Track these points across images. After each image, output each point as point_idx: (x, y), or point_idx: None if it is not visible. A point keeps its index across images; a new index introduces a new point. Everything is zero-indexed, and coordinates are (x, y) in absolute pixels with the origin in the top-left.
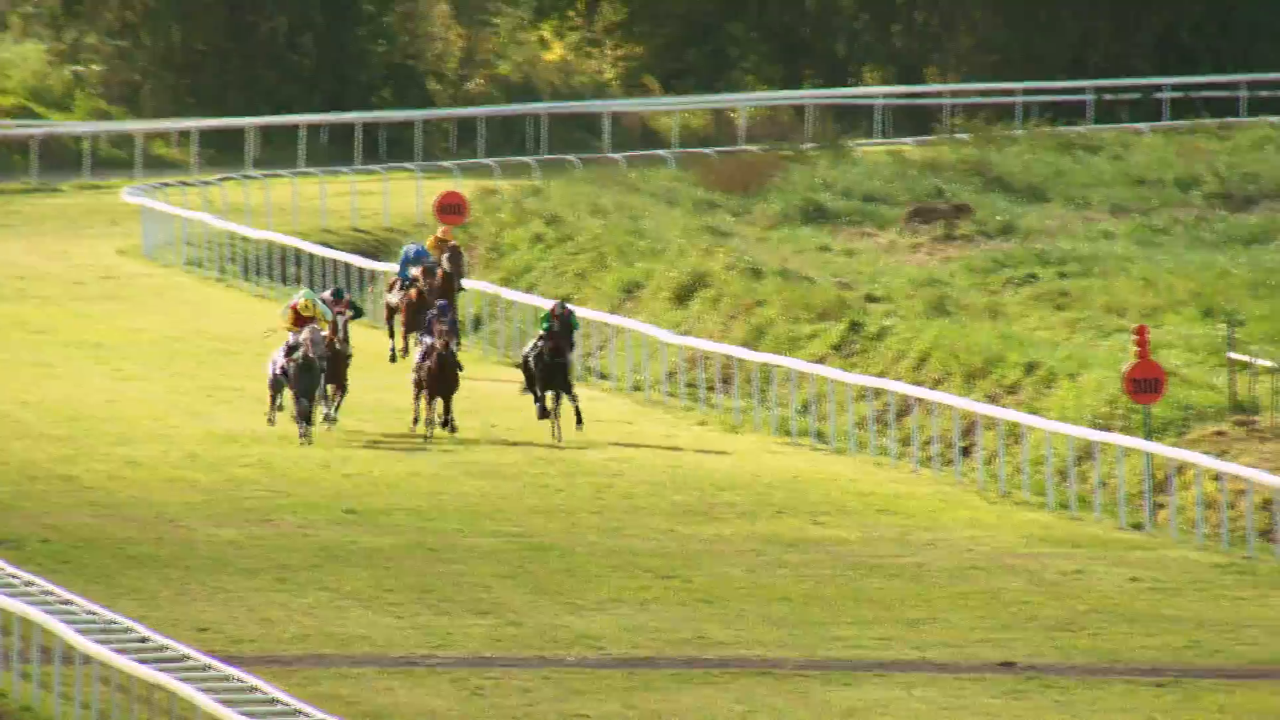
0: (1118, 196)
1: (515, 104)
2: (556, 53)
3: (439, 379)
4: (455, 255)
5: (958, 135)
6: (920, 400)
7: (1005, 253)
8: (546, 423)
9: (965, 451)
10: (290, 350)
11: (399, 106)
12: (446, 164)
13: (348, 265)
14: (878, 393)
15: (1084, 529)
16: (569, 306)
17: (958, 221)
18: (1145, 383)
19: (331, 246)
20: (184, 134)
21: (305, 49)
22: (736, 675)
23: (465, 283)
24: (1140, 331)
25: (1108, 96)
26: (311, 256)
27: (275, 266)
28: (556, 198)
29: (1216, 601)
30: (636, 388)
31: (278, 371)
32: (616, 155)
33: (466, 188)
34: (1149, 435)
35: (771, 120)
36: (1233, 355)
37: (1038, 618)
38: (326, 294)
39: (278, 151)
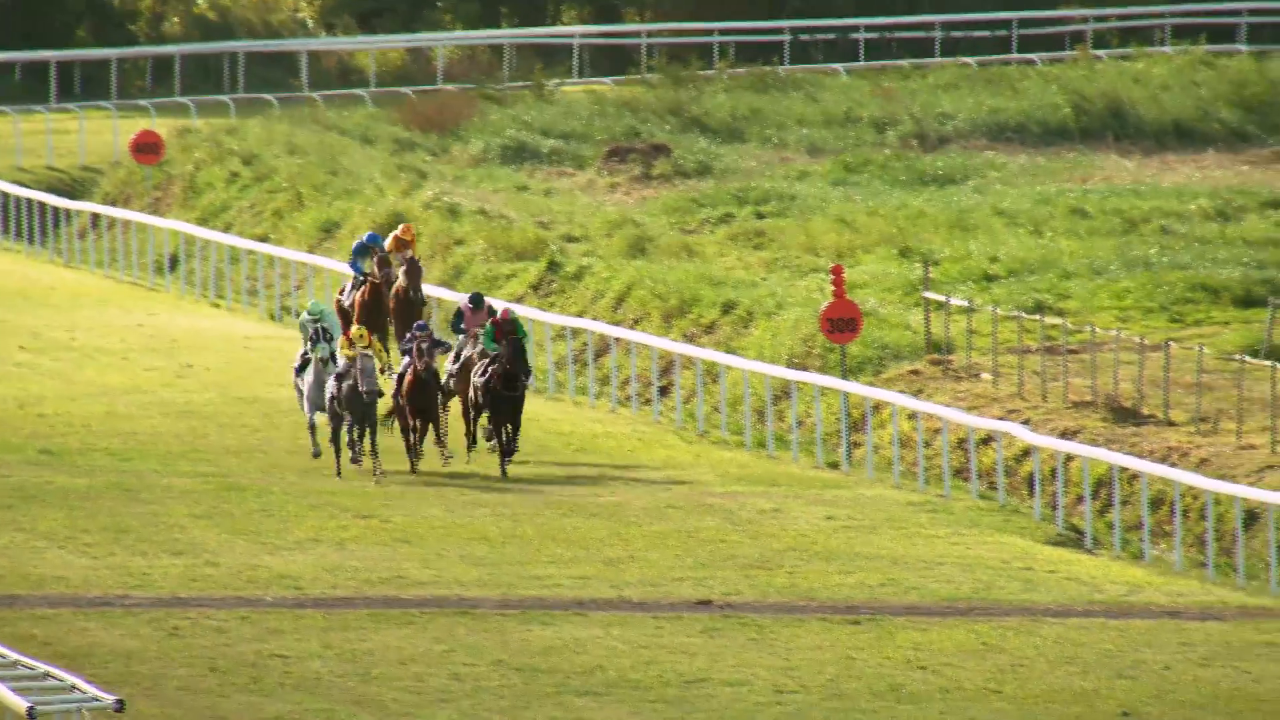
0: (814, 137)
1: (212, 42)
2: None
3: (416, 397)
4: (413, 269)
5: (655, 75)
6: (618, 340)
7: (702, 192)
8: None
9: (663, 391)
10: (341, 376)
11: (96, 45)
12: (143, 103)
13: (42, 204)
14: (576, 332)
15: (781, 468)
16: (512, 316)
17: (655, 161)
18: (841, 322)
19: (26, 185)
20: None
21: None
22: (435, 615)
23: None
24: (836, 271)
25: (804, 37)
26: (5, 195)
27: None
28: (253, 137)
29: (911, 540)
30: None
31: (330, 399)
32: (314, 94)
33: (163, 127)
34: (845, 374)
35: (470, 59)
36: (928, 295)
37: (735, 556)
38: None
39: None
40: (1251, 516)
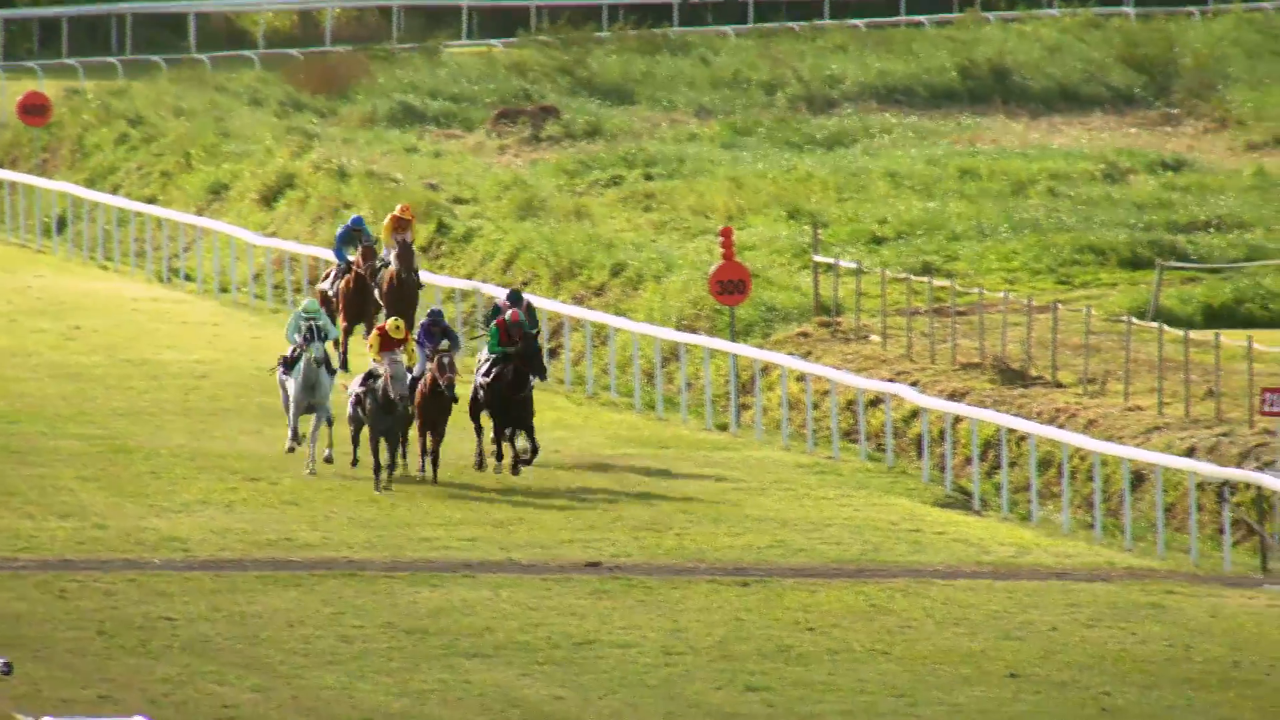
0: (703, 99)
1: (99, 4)
2: None
3: (428, 409)
4: (405, 251)
5: (545, 37)
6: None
7: (592, 154)
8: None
9: (553, 353)
10: (367, 379)
11: None
12: (30, 64)
13: None
14: (465, 294)
15: (670, 430)
16: (521, 319)
17: (544, 123)
18: (730, 284)
19: None
20: None
21: None
22: (324, 577)
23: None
24: (725, 233)
25: (694, 0)
26: None
27: None
28: (141, 99)
29: (800, 501)
30: (223, 289)
31: (353, 404)
32: (202, 56)
33: (50, 88)
34: (734, 336)
35: (359, 21)
36: (816, 257)
37: (623, 518)
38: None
39: None
40: (1138, 478)
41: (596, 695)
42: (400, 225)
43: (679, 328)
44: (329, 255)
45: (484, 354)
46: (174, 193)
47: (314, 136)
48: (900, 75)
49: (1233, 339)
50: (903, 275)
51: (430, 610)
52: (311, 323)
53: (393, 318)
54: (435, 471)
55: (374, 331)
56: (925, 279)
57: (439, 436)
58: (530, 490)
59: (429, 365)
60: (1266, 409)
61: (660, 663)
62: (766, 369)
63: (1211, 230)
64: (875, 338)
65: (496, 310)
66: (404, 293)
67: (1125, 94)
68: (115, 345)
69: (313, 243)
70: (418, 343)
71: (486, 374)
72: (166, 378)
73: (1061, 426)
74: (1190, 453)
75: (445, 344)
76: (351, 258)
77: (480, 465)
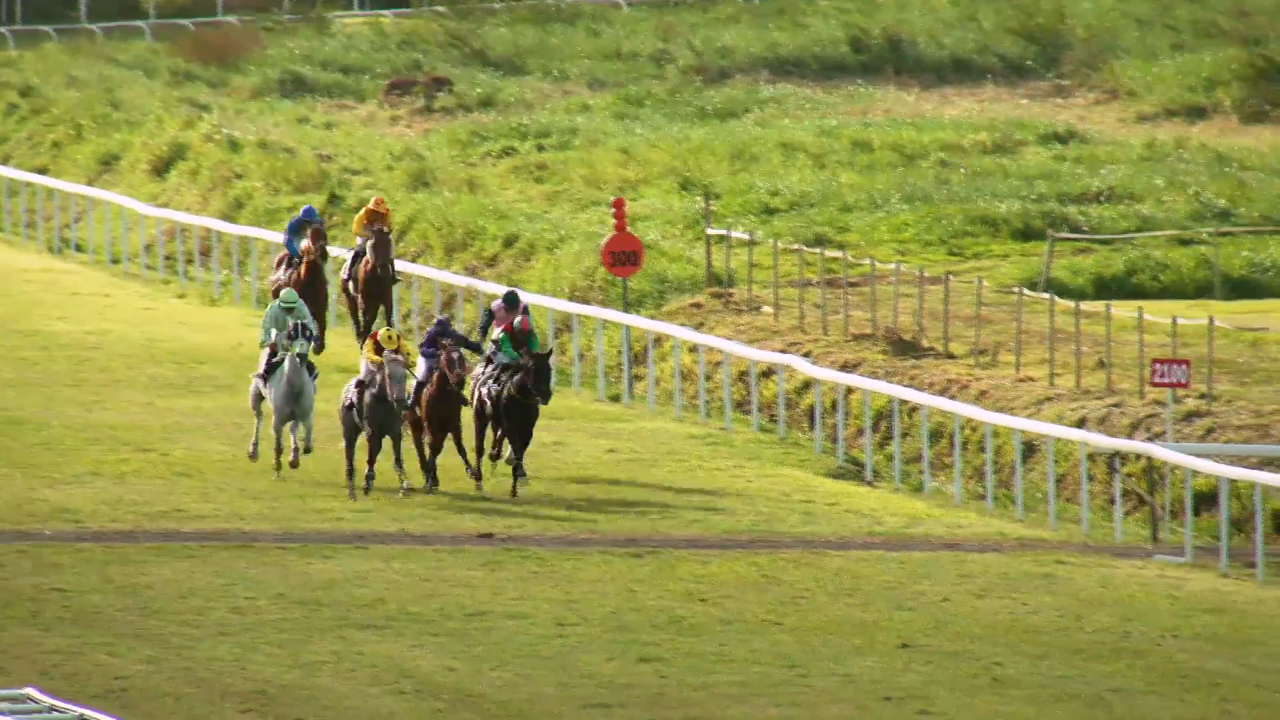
0: (596, 70)
1: None
2: None
3: (438, 410)
4: (381, 242)
5: (437, 7)
6: (401, 273)
7: (484, 125)
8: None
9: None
10: (363, 384)
11: None
12: None
13: None
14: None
15: (562, 401)
16: (530, 327)
17: (437, 94)
18: (623, 255)
19: None
20: None
21: None
22: (216, 549)
23: (397, 267)
24: (618, 204)
25: None
26: None
27: None
28: (31, 69)
29: (693, 473)
30: (115, 260)
31: (346, 406)
32: (92, 26)
33: None
34: (627, 308)
35: None
36: (709, 228)
37: (517, 492)
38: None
39: None
40: (1030, 449)
41: (489, 666)
42: (374, 218)
43: (571, 299)
44: (220, 226)
45: (481, 366)
46: (64, 163)
47: (205, 107)
48: (792, 46)
49: (1123, 310)
50: (795, 246)
51: (322, 582)
52: (293, 317)
53: (385, 329)
54: (414, 475)
55: (367, 340)
56: (817, 250)
57: (457, 435)
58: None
59: (439, 364)
60: (1157, 380)
61: (553, 634)
62: (659, 340)
63: (1102, 201)
64: (768, 309)
65: (490, 315)
66: (378, 285)
67: (1017, 65)
68: (6, 316)
69: (204, 213)
70: (422, 352)
71: (494, 381)
72: (57, 349)
73: (953, 398)
74: (1081, 424)
75: (443, 331)
76: (302, 250)
77: (477, 476)
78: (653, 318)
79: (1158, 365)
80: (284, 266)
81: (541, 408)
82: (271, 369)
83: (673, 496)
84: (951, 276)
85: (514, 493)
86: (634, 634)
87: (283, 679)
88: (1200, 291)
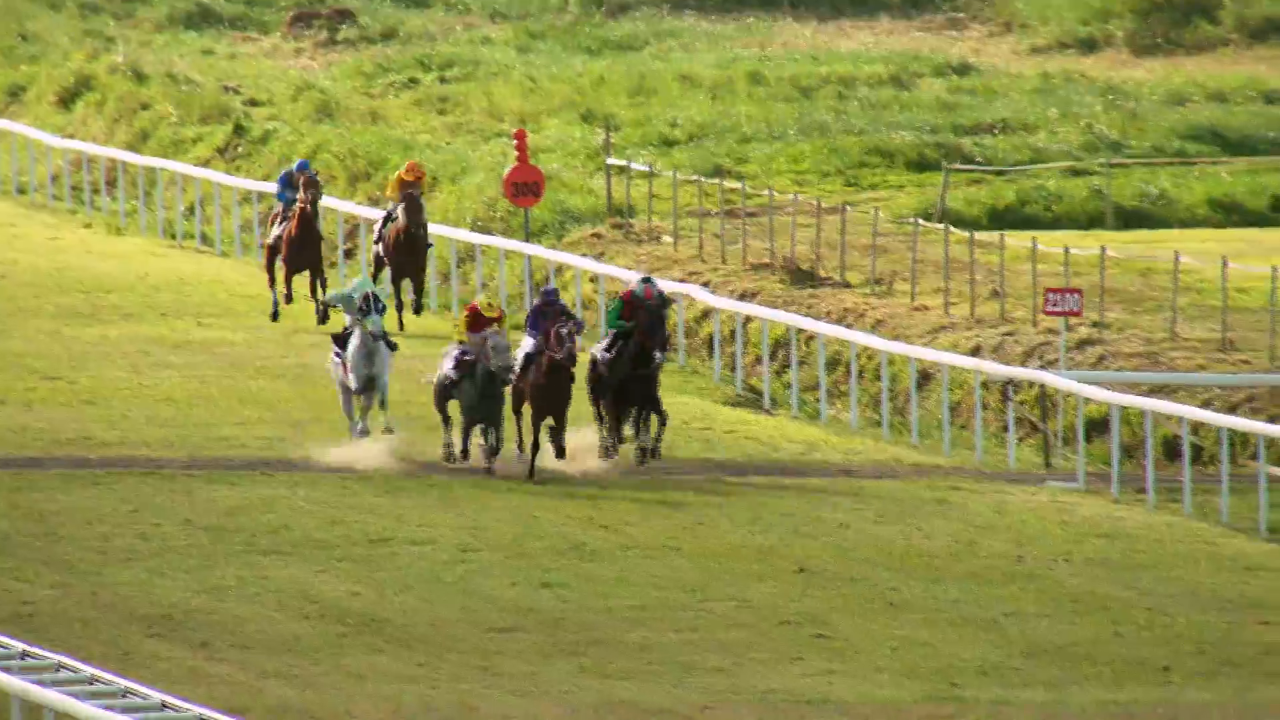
0: (497, 2)
1: None
2: None
3: (547, 392)
4: (413, 205)
5: None
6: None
7: (387, 57)
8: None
9: (348, 254)
10: (461, 360)
11: None
12: None
13: None
14: (261, 196)
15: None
16: (656, 288)
17: (340, 26)
18: (524, 186)
19: None
20: None
21: None
22: (122, 475)
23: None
24: (519, 136)
25: None
26: None
27: None
28: None
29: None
30: (21, 191)
31: (445, 383)
32: None
33: None
34: (529, 238)
35: None
36: (609, 159)
37: (422, 417)
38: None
39: None
40: (925, 377)
41: (393, 591)
42: (406, 185)
43: (474, 229)
44: (127, 156)
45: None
46: None
47: (112, 39)
48: None
49: (1017, 240)
50: (694, 177)
51: (228, 508)
52: (368, 294)
53: (484, 296)
54: (534, 465)
55: (464, 312)
56: (716, 181)
57: (561, 421)
58: (328, 391)
59: (545, 342)
60: (1049, 308)
61: (456, 560)
62: (560, 270)
63: (996, 133)
64: (667, 239)
65: (620, 305)
66: (412, 247)
67: None
68: None
69: (111, 144)
70: (528, 328)
71: (608, 349)
72: None
73: (850, 326)
74: (975, 352)
75: (552, 302)
76: (297, 197)
77: (607, 454)
78: (554, 248)
79: (1050, 294)
80: (279, 222)
81: (423, 331)
82: (343, 339)
83: (573, 425)
84: (848, 207)
85: (641, 459)
86: (535, 560)
87: (189, 604)
88: (1092, 222)
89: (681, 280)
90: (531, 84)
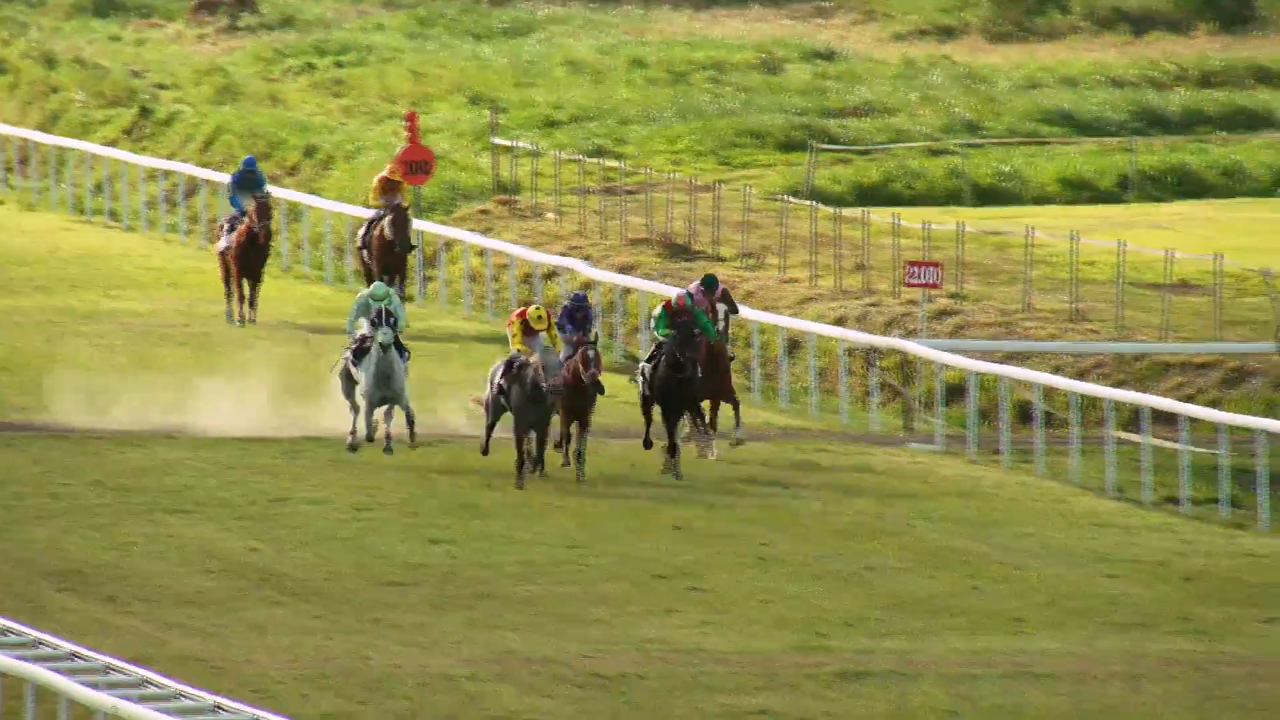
0: None
1: None
2: None
3: (571, 401)
4: (400, 218)
5: None
6: (207, 181)
7: (286, 43)
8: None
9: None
10: (510, 368)
11: None
12: None
13: None
14: (167, 174)
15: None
16: (687, 304)
17: (241, 14)
18: (416, 165)
19: None
20: None
21: None
22: (34, 438)
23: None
24: (411, 117)
25: None
26: None
27: None
28: None
29: (481, 367)
30: None
31: (495, 394)
32: None
33: None
34: (419, 213)
35: None
36: (495, 140)
37: (317, 384)
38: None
39: None
40: (794, 344)
41: (290, 548)
42: (389, 186)
43: (367, 206)
44: (38, 136)
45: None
46: None
47: (23, 25)
48: None
49: (880, 216)
50: (576, 157)
51: (135, 469)
52: (382, 306)
53: (532, 306)
54: (581, 467)
55: (514, 319)
56: (597, 160)
57: (584, 428)
58: (229, 358)
59: (574, 357)
60: (910, 281)
61: (351, 518)
62: (449, 244)
63: (860, 115)
64: (551, 215)
65: (690, 298)
66: (394, 257)
67: None
68: None
69: (23, 125)
70: (560, 328)
71: (651, 359)
72: None
73: None
74: (841, 321)
75: (580, 306)
76: (247, 209)
77: (649, 445)
78: (443, 223)
79: (911, 267)
80: (230, 229)
81: (319, 303)
82: (361, 352)
83: (463, 390)
84: (721, 185)
85: (676, 475)
86: (426, 518)
87: (98, 559)
88: (950, 199)
89: (563, 255)
90: (422, 69)
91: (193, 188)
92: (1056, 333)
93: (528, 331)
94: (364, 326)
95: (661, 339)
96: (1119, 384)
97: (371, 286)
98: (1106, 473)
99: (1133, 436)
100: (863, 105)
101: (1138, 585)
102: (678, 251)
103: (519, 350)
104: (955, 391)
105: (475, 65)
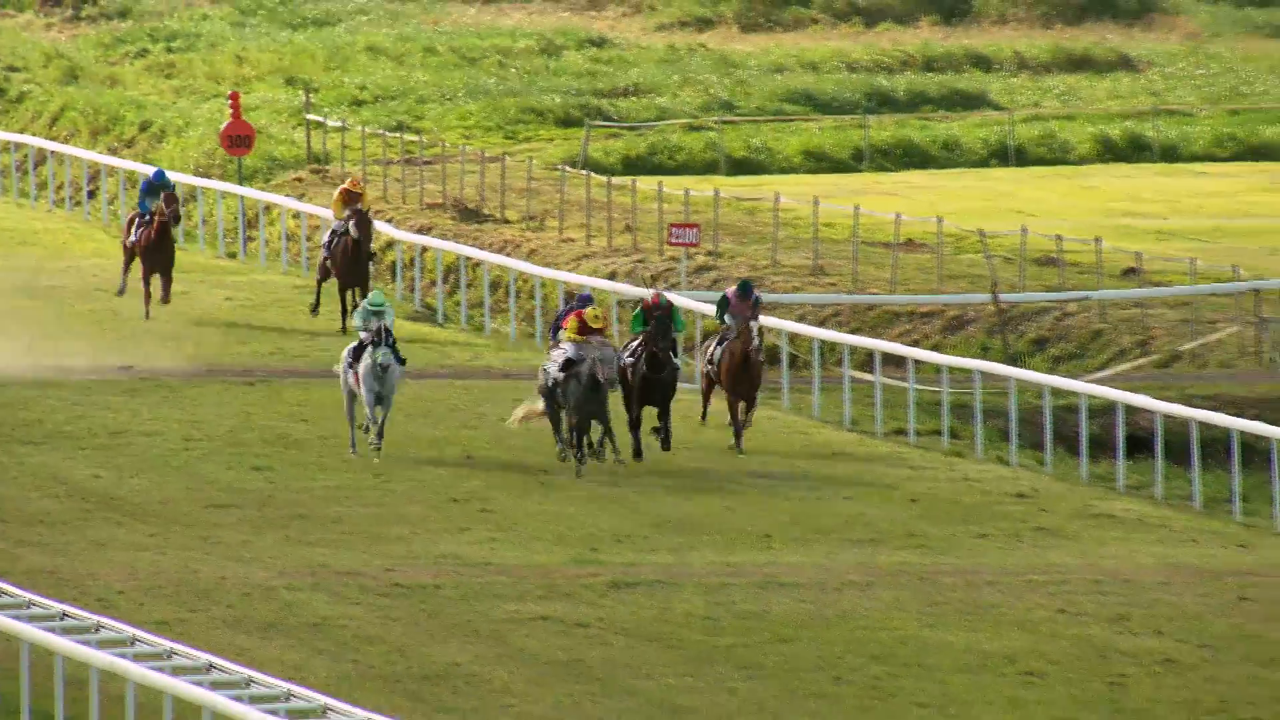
0: None
1: None
2: None
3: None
4: (363, 222)
5: None
6: (54, 152)
7: (124, 31)
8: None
9: (91, 195)
10: (568, 364)
11: None
12: None
13: None
14: (18, 146)
15: (189, 257)
16: (663, 301)
17: (84, 4)
18: (238, 139)
19: None
20: None
21: None
22: None
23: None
24: (234, 97)
25: None
26: None
27: None
28: None
29: (295, 316)
30: None
31: (550, 385)
32: None
33: None
34: (242, 181)
35: None
36: (309, 116)
37: (152, 330)
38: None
39: None
40: (571, 297)
41: (128, 475)
42: (351, 198)
43: (196, 174)
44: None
45: (715, 343)
46: None
47: None
48: None
49: (646, 184)
50: (380, 132)
51: None
52: (379, 322)
53: (590, 307)
54: (626, 448)
55: (572, 316)
56: (398, 135)
57: (604, 422)
58: (76, 308)
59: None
60: (673, 240)
61: (181, 448)
62: (268, 208)
63: (629, 96)
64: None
65: (725, 301)
66: (358, 260)
67: None
68: None
69: None
70: (553, 333)
71: (630, 355)
72: None
73: (509, 255)
74: (612, 276)
75: (588, 307)
76: (154, 210)
77: (638, 453)
78: (263, 189)
79: (674, 229)
80: (136, 226)
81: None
82: (358, 351)
83: (280, 336)
84: (507, 156)
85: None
86: (248, 448)
87: None
88: (708, 169)
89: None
90: (244, 54)
91: (41, 158)
92: (800, 286)
93: (584, 330)
94: (361, 335)
95: (636, 333)
96: (854, 330)
97: (369, 295)
98: (844, 408)
99: (866, 376)
100: (631, 87)
101: (871, 506)
102: (469, 215)
103: (575, 342)
104: (709, 336)
105: (291, 51)
